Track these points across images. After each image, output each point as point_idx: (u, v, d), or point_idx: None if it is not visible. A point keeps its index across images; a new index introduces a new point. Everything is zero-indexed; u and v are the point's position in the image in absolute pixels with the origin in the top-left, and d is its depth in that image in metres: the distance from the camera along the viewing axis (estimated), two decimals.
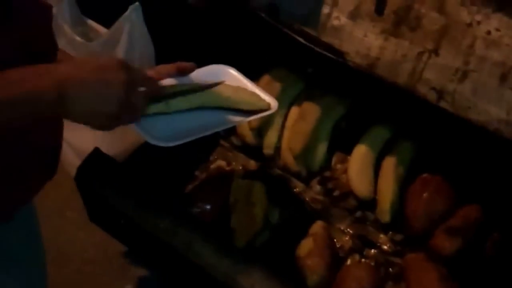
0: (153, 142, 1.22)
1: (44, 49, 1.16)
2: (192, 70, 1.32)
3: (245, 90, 1.40)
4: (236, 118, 1.35)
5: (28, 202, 1.23)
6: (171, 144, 1.23)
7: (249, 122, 1.79)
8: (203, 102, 1.33)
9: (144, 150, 1.79)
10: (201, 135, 1.28)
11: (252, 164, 1.86)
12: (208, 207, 1.71)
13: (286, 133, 1.84)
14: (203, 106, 1.33)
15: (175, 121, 1.28)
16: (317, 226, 1.68)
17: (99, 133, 1.81)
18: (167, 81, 1.31)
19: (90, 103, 1.01)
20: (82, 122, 1.05)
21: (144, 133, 1.23)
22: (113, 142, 1.80)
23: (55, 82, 0.97)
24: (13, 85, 0.95)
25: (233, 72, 1.46)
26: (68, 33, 1.91)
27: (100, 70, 1.03)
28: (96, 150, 1.69)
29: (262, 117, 1.46)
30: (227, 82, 1.41)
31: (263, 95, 1.40)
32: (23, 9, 1.03)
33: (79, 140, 1.97)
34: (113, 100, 1.03)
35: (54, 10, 1.91)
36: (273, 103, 1.39)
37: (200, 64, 1.53)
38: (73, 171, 1.74)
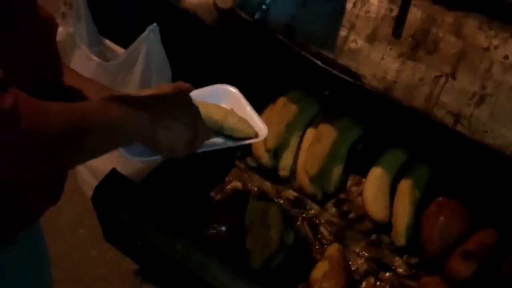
0: (124, 153, 1.25)
1: (49, 62, 1.19)
2: (189, 91, 1.33)
3: (234, 115, 1.39)
4: (219, 143, 1.37)
5: (29, 227, 1.24)
6: (137, 159, 1.26)
7: (265, 143, 1.81)
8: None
9: (161, 171, 1.80)
10: None
11: (268, 185, 1.86)
12: (224, 228, 1.71)
13: (302, 155, 1.84)
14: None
15: None
16: (333, 249, 1.68)
17: (115, 153, 1.83)
18: None
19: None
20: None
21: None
22: (129, 163, 1.80)
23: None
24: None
25: (234, 91, 1.47)
26: (85, 53, 1.92)
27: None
28: (113, 171, 1.69)
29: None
30: (227, 103, 1.43)
31: (256, 122, 1.40)
32: (28, 25, 1.05)
33: (96, 159, 1.97)
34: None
35: (71, 30, 1.94)
36: (262, 131, 1.39)
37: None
38: (86, 189, 1.75)
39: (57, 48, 1.25)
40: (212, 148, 1.37)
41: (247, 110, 1.43)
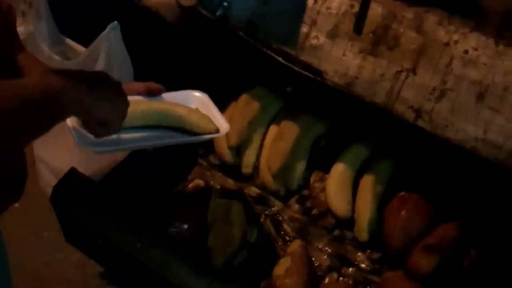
0: (80, 145, 1.28)
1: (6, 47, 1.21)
2: (160, 92, 1.42)
3: (198, 112, 1.46)
4: (181, 138, 1.43)
5: None
6: (95, 149, 1.30)
7: (227, 141, 1.81)
8: (156, 120, 1.40)
9: (121, 170, 1.78)
10: (134, 146, 1.41)
11: (230, 183, 1.85)
12: (186, 226, 1.69)
13: (265, 152, 1.84)
14: (155, 124, 1.40)
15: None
16: (295, 245, 1.68)
17: (76, 152, 1.81)
18: (135, 97, 1.40)
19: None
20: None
21: (76, 134, 1.29)
22: (90, 162, 1.79)
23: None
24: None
25: (202, 96, 1.54)
26: (46, 52, 1.90)
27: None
28: (72, 170, 1.67)
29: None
30: (194, 104, 1.51)
31: (219, 120, 1.47)
32: None
33: (55, 159, 1.95)
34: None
35: (31, 29, 1.91)
36: (223, 127, 1.45)
37: (178, 83, 1.54)
38: (48, 191, 1.72)
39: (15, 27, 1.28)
40: (174, 142, 1.41)
41: (212, 110, 1.50)
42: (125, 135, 1.37)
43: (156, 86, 1.43)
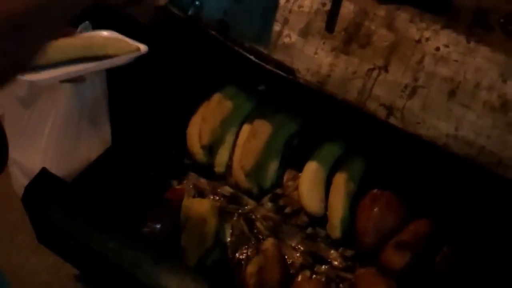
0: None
1: None
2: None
3: (114, 37, 1.45)
4: (109, 60, 1.38)
5: None
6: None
7: (200, 140, 1.81)
8: (80, 53, 1.35)
9: (94, 170, 1.77)
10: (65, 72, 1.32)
11: (203, 182, 1.85)
12: (158, 226, 1.69)
13: (238, 151, 1.84)
14: (81, 56, 1.35)
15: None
16: (268, 243, 1.68)
17: (49, 153, 1.79)
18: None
19: None
20: None
21: None
22: (62, 162, 1.77)
23: None
24: None
25: (111, 32, 1.49)
26: None
27: None
28: (43, 170, 1.66)
29: None
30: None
31: (136, 43, 1.44)
32: None
33: (28, 161, 1.93)
34: None
35: None
36: (142, 47, 1.43)
37: (150, 82, 1.53)
38: (21, 192, 1.71)
39: None
40: (105, 65, 1.38)
41: (124, 37, 1.47)
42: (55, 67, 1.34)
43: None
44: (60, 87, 1.74)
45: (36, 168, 1.71)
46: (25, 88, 1.77)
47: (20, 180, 2.00)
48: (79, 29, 1.71)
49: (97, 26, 1.70)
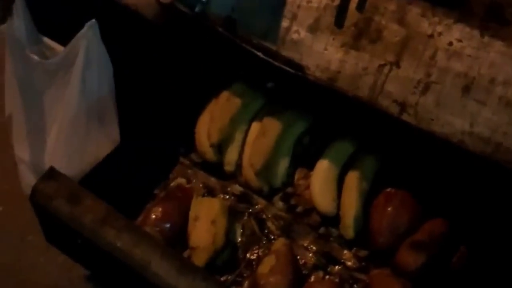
0: None
1: None
2: None
3: None
4: None
5: None
6: None
7: (209, 138, 1.79)
8: None
9: (102, 169, 1.76)
10: None
11: (213, 181, 1.84)
12: (168, 225, 1.68)
13: (247, 150, 1.81)
14: None
15: None
16: (279, 243, 1.67)
17: (56, 152, 1.78)
18: None
19: None
20: None
21: None
22: (70, 161, 1.76)
23: None
24: None
25: None
26: (23, 51, 1.86)
27: None
28: (51, 169, 1.64)
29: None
30: None
31: None
32: None
33: (36, 159, 1.93)
34: None
35: (3, 28, 1.88)
36: None
37: (157, 80, 1.51)
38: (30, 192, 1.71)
39: None
40: None
41: None
42: None
43: None
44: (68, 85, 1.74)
45: (44, 167, 1.71)
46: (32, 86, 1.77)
47: (28, 179, 2.00)
48: (85, 27, 1.70)
49: (104, 24, 1.70)
